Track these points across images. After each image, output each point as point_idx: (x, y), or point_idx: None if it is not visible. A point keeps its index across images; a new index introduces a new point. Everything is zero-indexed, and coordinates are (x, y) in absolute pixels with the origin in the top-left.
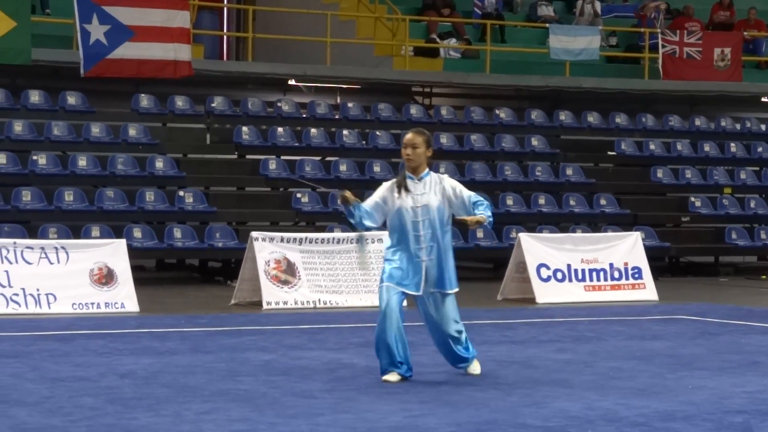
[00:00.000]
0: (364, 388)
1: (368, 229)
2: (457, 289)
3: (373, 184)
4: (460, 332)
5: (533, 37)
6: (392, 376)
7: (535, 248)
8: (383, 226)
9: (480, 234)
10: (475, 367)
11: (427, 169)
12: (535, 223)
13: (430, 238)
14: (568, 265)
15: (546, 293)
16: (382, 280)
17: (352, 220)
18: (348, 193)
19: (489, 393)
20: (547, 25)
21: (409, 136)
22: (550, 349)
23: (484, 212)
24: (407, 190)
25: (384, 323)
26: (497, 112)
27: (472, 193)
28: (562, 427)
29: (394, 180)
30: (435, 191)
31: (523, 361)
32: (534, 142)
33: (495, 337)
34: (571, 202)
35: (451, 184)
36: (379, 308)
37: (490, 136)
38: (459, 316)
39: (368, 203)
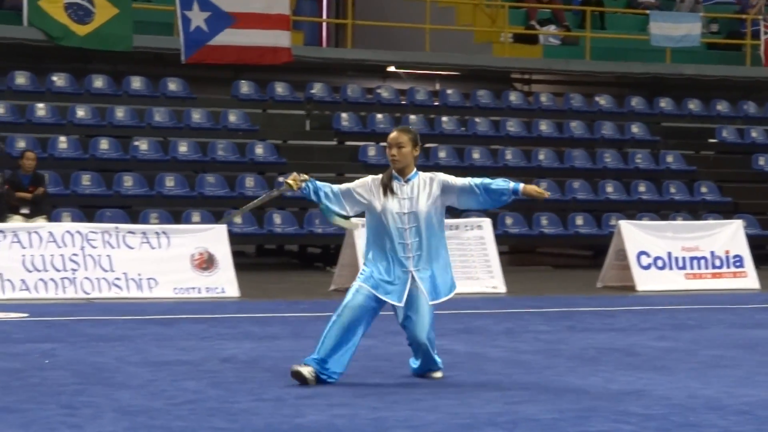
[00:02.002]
0: (465, 374)
1: (338, 215)
2: (450, 296)
3: (472, 171)
4: (432, 340)
5: (634, 23)
6: (304, 369)
7: (636, 236)
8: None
9: (579, 221)
10: (436, 373)
11: (414, 170)
12: (635, 210)
13: (418, 247)
14: (669, 253)
15: (646, 281)
16: (358, 279)
17: (313, 198)
18: (291, 179)
19: (589, 380)
20: (648, 11)
21: (393, 134)
22: (651, 336)
23: (505, 184)
24: (392, 192)
25: (337, 316)
26: (597, 99)
27: (472, 179)
28: (664, 415)
29: (379, 177)
30: (424, 194)
31: (624, 349)
32: (634, 129)
33: (595, 324)
34: (672, 190)
35: (443, 179)
36: (345, 304)
37: (589, 123)
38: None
39: (336, 186)
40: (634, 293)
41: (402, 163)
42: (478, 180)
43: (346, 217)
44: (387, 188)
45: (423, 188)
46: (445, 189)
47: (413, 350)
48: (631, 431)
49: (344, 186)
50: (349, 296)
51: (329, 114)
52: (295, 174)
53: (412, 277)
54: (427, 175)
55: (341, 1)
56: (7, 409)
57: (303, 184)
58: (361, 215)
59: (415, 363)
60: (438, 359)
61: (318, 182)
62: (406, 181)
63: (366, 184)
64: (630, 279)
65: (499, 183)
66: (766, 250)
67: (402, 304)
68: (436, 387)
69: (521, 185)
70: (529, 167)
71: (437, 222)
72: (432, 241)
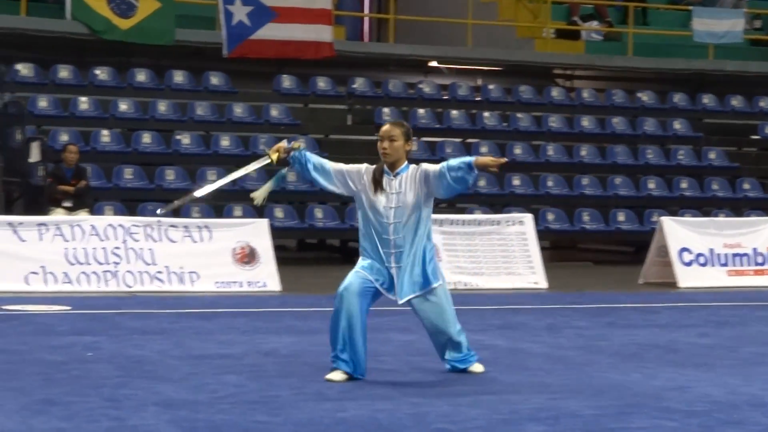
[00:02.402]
0: (506, 370)
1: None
2: (440, 282)
3: (515, 166)
4: (458, 341)
5: (676, 19)
6: (336, 375)
7: (678, 232)
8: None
9: (621, 217)
10: (477, 367)
11: (405, 164)
12: (676, 207)
13: (401, 243)
14: (711, 250)
15: (688, 277)
16: (358, 268)
17: (296, 167)
18: (274, 151)
19: (632, 377)
20: (691, 7)
21: (386, 127)
22: (693, 333)
23: (460, 160)
24: (381, 188)
25: (338, 307)
26: (639, 95)
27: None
28: (706, 412)
29: (372, 168)
30: (411, 188)
31: (666, 345)
32: (676, 125)
33: (637, 320)
34: (714, 186)
35: (424, 169)
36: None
37: (632, 119)
38: (455, 321)
39: (329, 163)
40: (675, 290)
41: (393, 156)
42: (446, 164)
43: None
44: (377, 183)
45: (411, 182)
46: (425, 178)
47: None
48: (673, 428)
49: (338, 165)
50: (344, 281)
51: (371, 109)
52: (282, 144)
53: (390, 274)
54: (414, 167)
55: None
56: (50, 401)
57: (290, 155)
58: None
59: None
60: (465, 359)
61: (309, 154)
62: (395, 175)
63: (359, 173)
64: (671, 275)
65: (456, 159)
66: None
67: (393, 297)
68: (477, 382)
69: (474, 158)
70: (570, 163)
71: (425, 216)
72: (417, 238)
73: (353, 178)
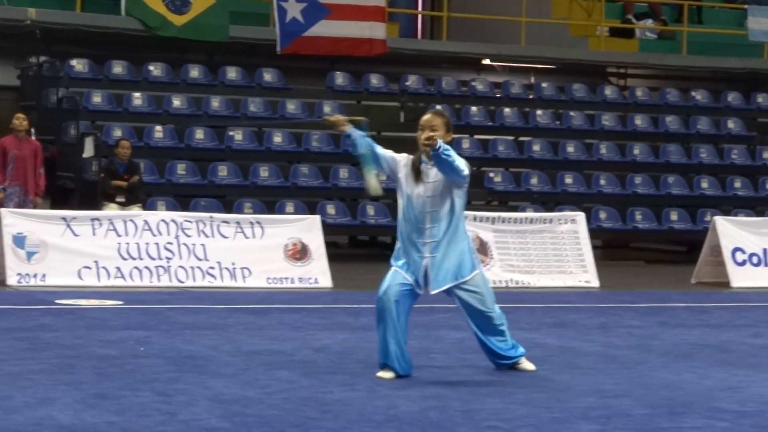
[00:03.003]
0: (557, 368)
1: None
2: (477, 271)
3: (567, 164)
4: (501, 324)
5: (731, 18)
6: (386, 373)
7: (731, 232)
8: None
9: (674, 216)
10: (528, 365)
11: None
12: (730, 206)
13: (436, 233)
14: (765, 250)
15: (741, 277)
16: (391, 261)
17: (360, 145)
18: (334, 119)
19: (683, 376)
20: (746, 6)
21: (427, 116)
22: (746, 333)
23: (445, 148)
24: (419, 176)
25: (379, 313)
26: (693, 93)
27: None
28: (759, 412)
29: (410, 157)
30: (444, 177)
31: (718, 345)
32: (730, 124)
33: (689, 320)
34: None
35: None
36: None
37: (685, 118)
38: (495, 303)
39: (380, 148)
40: (728, 289)
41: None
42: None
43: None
44: (416, 172)
45: None
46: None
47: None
48: (725, 428)
49: (388, 152)
50: (384, 282)
51: (423, 106)
52: (340, 117)
53: (426, 265)
54: None
55: None
56: (102, 395)
57: (347, 129)
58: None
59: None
60: (513, 349)
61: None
62: (433, 165)
63: (402, 161)
64: (724, 275)
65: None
66: None
67: (422, 292)
68: (528, 380)
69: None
70: (623, 162)
71: (459, 206)
72: (453, 228)
73: (399, 166)
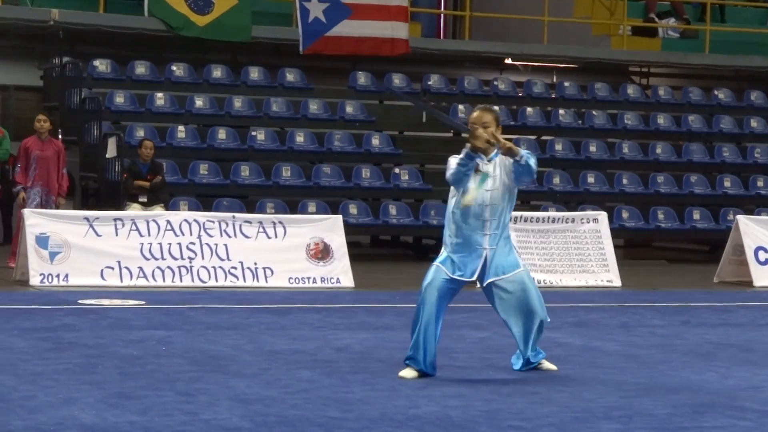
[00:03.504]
0: (579, 368)
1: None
2: (522, 268)
3: (590, 163)
4: (542, 322)
5: (754, 16)
6: (408, 372)
7: (754, 231)
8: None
9: (696, 215)
10: (549, 365)
11: (495, 149)
12: (753, 205)
13: (496, 226)
14: None
15: (764, 276)
16: (434, 260)
17: (462, 169)
18: (484, 134)
19: (705, 376)
20: None
21: (477, 114)
22: None
23: (527, 155)
24: (478, 171)
25: (420, 305)
26: (716, 92)
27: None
28: None
29: (464, 155)
30: (505, 173)
31: (741, 345)
32: (753, 123)
33: (711, 319)
34: None
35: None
36: (420, 287)
37: (708, 116)
38: (540, 304)
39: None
40: (751, 289)
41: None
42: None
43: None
44: (475, 167)
45: (503, 168)
46: (509, 164)
47: (516, 337)
48: (748, 427)
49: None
50: (426, 279)
51: (446, 105)
52: (491, 133)
53: (485, 256)
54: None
55: None
56: (125, 395)
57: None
58: None
59: (516, 362)
60: (537, 351)
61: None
62: (489, 161)
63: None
64: (747, 274)
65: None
66: None
67: (473, 279)
68: (549, 380)
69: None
70: (646, 161)
71: (511, 201)
72: (506, 221)
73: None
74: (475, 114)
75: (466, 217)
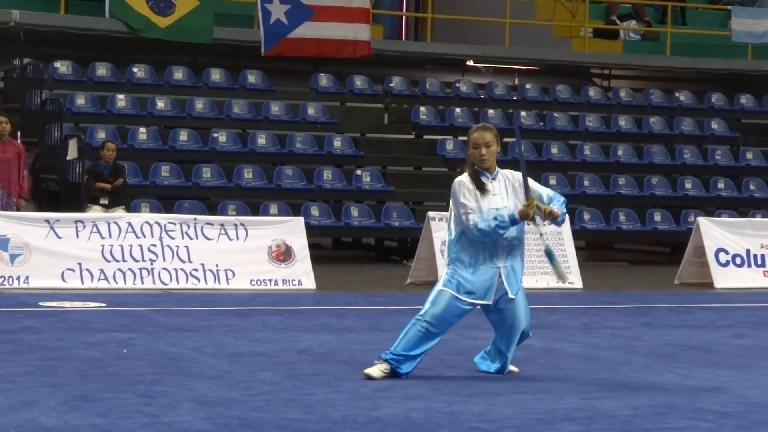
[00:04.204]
0: (541, 370)
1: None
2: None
3: (551, 165)
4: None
5: (715, 19)
6: (375, 371)
7: (714, 233)
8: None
9: (657, 217)
10: (511, 367)
11: (497, 167)
12: (713, 207)
13: (508, 244)
14: (748, 251)
15: (724, 278)
16: (444, 285)
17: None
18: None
19: (666, 377)
20: (730, 7)
21: (478, 133)
22: (729, 334)
23: (561, 207)
24: (486, 191)
25: (423, 321)
26: (677, 94)
27: (547, 189)
28: (743, 413)
29: (467, 178)
30: (512, 191)
31: (702, 346)
32: (714, 125)
33: (672, 321)
34: (751, 187)
35: (521, 179)
36: (429, 309)
37: (669, 119)
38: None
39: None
40: (712, 290)
41: (491, 161)
42: (550, 192)
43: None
44: (482, 187)
45: (509, 184)
46: (517, 191)
47: (496, 350)
48: (708, 428)
49: (473, 205)
50: (433, 299)
51: (408, 108)
52: (536, 206)
53: (500, 274)
54: (507, 171)
55: None
56: (86, 397)
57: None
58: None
59: (490, 366)
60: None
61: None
62: (494, 179)
63: (469, 190)
64: (708, 276)
65: (556, 203)
66: None
67: (490, 302)
68: (511, 382)
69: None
70: (607, 163)
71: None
72: (520, 238)
73: (474, 193)
74: (475, 134)
75: (476, 238)
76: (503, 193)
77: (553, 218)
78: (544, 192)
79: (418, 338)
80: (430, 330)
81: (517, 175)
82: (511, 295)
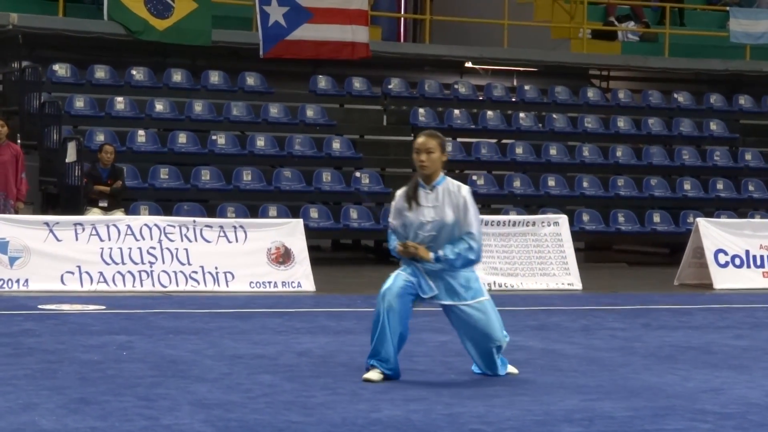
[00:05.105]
0: (540, 371)
1: None
2: (484, 298)
3: (550, 167)
4: (499, 347)
5: (713, 20)
6: (373, 374)
7: (713, 233)
8: None
9: (656, 218)
10: (511, 368)
11: (441, 176)
12: (712, 208)
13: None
14: (747, 251)
15: (724, 279)
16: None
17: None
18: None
19: (666, 378)
20: (728, 8)
21: (421, 140)
22: (728, 335)
23: (447, 253)
24: (417, 203)
25: (378, 307)
26: (675, 95)
27: (472, 226)
28: (742, 414)
29: (405, 190)
30: (449, 204)
31: (701, 347)
32: (713, 126)
33: (672, 322)
34: (750, 188)
35: (465, 203)
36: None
37: (668, 120)
38: (499, 328)
39: (395, 233)
40: (711, 291)
41: (431, 169)
42: (468, 230)
43: None
44: (411, 200)
45: (449, 197)
46: (458, 209)
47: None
48: (707, 429)
49: (394, 222)
50: (388, 282)
51: (406, 109)
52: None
53: (427, 276)
54: (456, 184)
55: None
56: (85, 400)
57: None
58: None
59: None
60: (501, 361)
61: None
62: (432, 189)
63: (397, 208)
64: (707, 277)
65: (450, 248)
66: None
67: (425, 296)
68: (511, 383)
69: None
70: (606, 164)
71: (459, 233)
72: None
73: (401, 216)
74: (420, 140)
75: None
76: (439, 205)
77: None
78: (469, 230)
79: (374, 326)
80: (378, 308)
81: (465, 191)
82: (422, 295)
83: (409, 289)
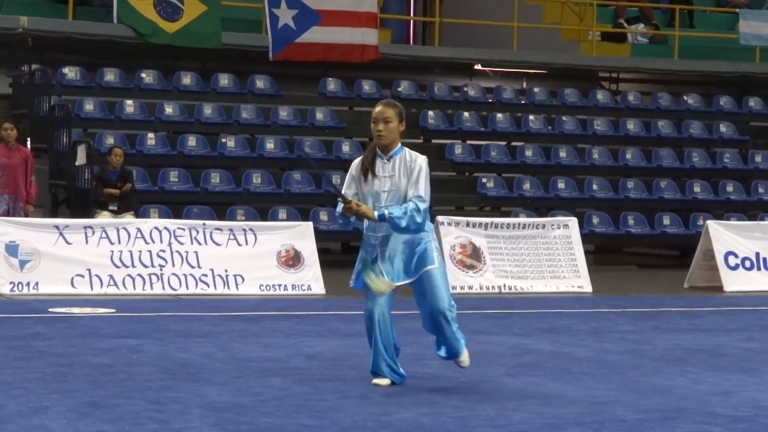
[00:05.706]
0: (550, 374)
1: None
2: (434, 266)
3: (560, 169)
4: (453, 308)
5: (722, 22)
6: (382, 380)
7: (723, 236)
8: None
9: (666, 221)
10: (465, 359)
11: (399, 146)
12: (722, 210)
13: (387, 227)
14: (757, 254)
15: (734, 281)
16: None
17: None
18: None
19: (676, 381)
20: (737, 9)
21: (379, 108)
22: (739, 337)
23: (393, 211)
24: (374, 174)
25: (369, 324)
26: (685, 98)
27: (421, 190)
28: (752, 417)
29: (360, 159)
30: (404, 172)
31: (711, 350)
32: (722, 128)
33: (682, 325)
34: (760, 190)
35: (419, 169)
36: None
37: (677, 122)
38: (448, 295)
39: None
40: (721, 294)
41: (388, 138)
42: (415, 194)
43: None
44: (368, 170)
45: (405, 166)
46: (410, 173)
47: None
48: None
49: (347, 192)
50: (372, 300)
51: (416, 112)
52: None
53: (381, 257)
54: (414, 154)
55: None
56: (96, 404)
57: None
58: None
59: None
60: (460, 338)
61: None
62: (389, 159)
63: (351, 177)
64: (717, 279)
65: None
66: None
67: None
68: (521, 386)
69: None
70: (616, 166)
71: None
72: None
73: (355, 180)
74: (377, 109)
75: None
76: (395, 175)
77: (369, 218)
78: (418, 193)
79: (383, 342)
80: (378, 327)
81: (421, 160)
82: (420, 272)
83: (390, 300)
